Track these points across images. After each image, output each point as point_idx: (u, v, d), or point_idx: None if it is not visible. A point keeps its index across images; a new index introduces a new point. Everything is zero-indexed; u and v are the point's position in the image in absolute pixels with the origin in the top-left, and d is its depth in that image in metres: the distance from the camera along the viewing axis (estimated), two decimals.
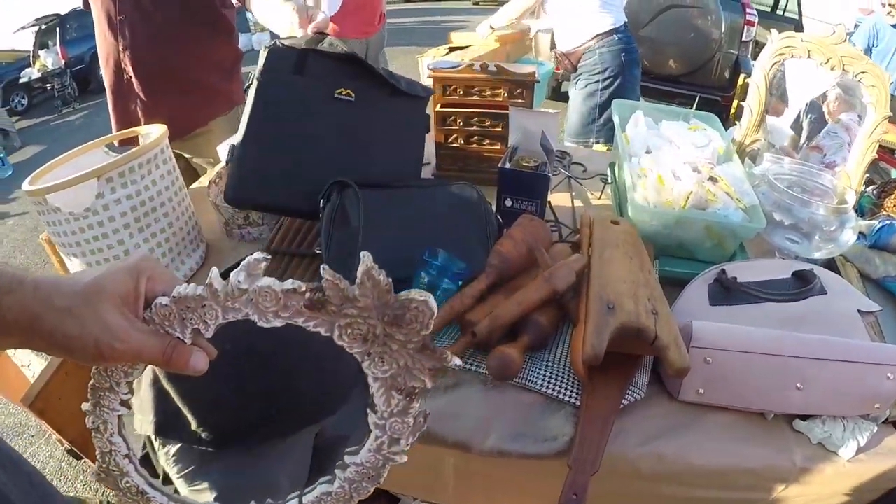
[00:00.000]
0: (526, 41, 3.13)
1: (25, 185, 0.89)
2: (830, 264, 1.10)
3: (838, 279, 0.95)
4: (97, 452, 0.49)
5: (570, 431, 0.72)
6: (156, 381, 0.71)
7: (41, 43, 8.26)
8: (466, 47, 2.88)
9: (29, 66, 8.15)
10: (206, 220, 1.19)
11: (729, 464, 0.73)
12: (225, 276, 0.41)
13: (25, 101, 7.97)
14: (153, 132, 1.03)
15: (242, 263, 0.41)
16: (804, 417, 0.77)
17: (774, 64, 1.27)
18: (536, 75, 1.20)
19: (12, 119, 7.00)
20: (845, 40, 1.18)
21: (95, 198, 0.89)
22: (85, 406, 0.47)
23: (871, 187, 1.39)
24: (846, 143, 1.28)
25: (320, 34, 1.04)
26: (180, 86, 1.54)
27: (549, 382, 0.76)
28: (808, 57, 1.23)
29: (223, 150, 1.39)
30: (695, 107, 1.39)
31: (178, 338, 0.43)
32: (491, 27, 2.73)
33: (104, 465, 0.50)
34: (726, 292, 0.90)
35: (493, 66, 1.21)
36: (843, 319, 0.88)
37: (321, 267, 0.41)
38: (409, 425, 0.48)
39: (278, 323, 0.42)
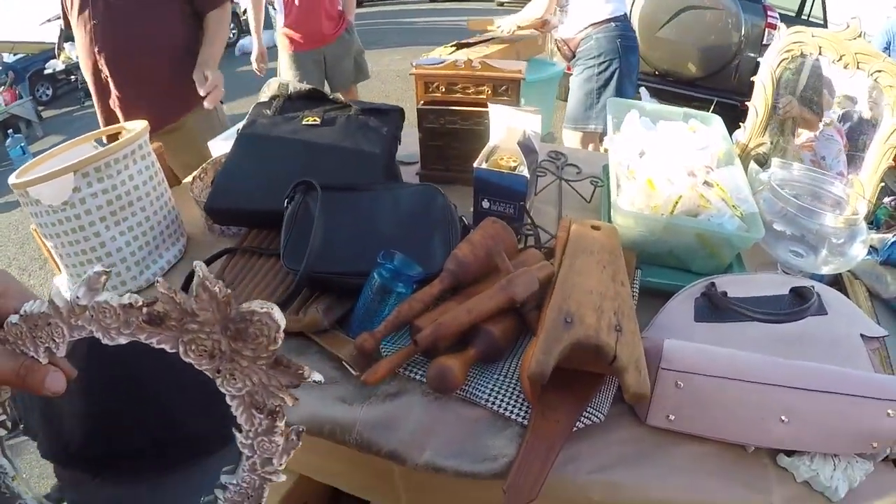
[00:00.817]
0: (539, 41, 3.08)
1: (11, 178, 0.91)
2: (837, 281, 1.01)
3: (842, 299, 0.86)
4: None
5: (511, 453, 0.65)
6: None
7: (66, 35, 8.36)
8: (474, 44, 2.83)
9: (54, 57, 8.31)
10: (190, 214, 1.20)
11: (693, 500, 0.64)
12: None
13: (50, 92, 8.13)
14: (136, 128, 1.05)
15: (83, 278, 0.38)
16: (789, 452, 0.68)
17: (783, 61, 1.19)
18: (523, 72, 1.13)
19: (38, 108, 7.17)
20: (859, 36, 1.09)
21: (72, 191, 0.91)
22: None
23: (890, 198, 1.29)
24: (841, 147, 1.20)
25: (283, 84, 1.25)
26: (153, 83, 1.61)
27: (495, 398, 0.69)
28: (820, 54, 1.14)
29: (214, 146, 1.46)
30: (711, 111, 1.31)
31: (33, 357, 0.41)
32: (518, 27, 2.75)
33: None
34: (713, 308, 0.82)
35: (476, 63, 1.15)
36: (843, 344, 0.79)
37: (156, 280, 0.38)
38: (279, 445, 0.44)
39: (123, 340, 0.39)
